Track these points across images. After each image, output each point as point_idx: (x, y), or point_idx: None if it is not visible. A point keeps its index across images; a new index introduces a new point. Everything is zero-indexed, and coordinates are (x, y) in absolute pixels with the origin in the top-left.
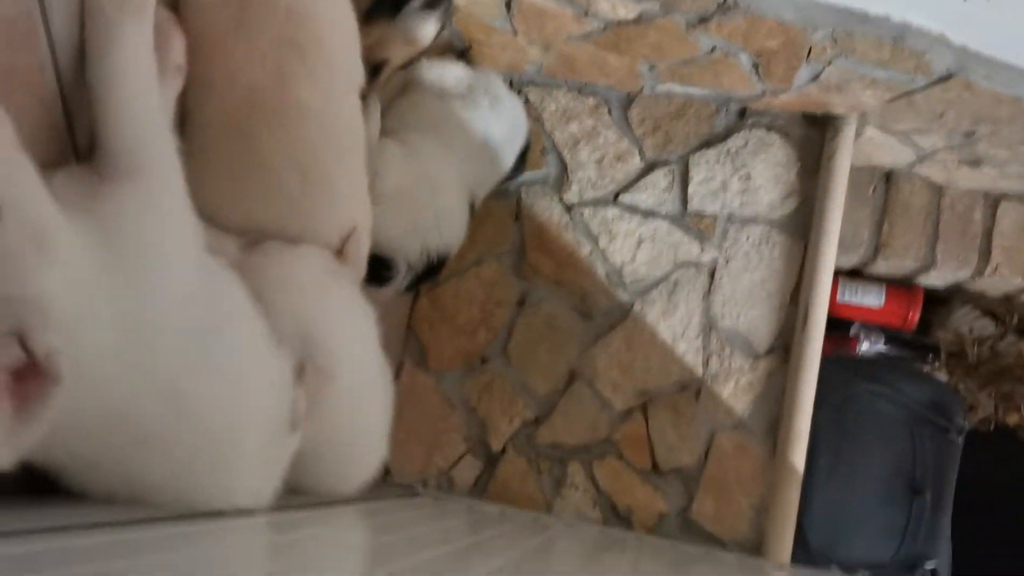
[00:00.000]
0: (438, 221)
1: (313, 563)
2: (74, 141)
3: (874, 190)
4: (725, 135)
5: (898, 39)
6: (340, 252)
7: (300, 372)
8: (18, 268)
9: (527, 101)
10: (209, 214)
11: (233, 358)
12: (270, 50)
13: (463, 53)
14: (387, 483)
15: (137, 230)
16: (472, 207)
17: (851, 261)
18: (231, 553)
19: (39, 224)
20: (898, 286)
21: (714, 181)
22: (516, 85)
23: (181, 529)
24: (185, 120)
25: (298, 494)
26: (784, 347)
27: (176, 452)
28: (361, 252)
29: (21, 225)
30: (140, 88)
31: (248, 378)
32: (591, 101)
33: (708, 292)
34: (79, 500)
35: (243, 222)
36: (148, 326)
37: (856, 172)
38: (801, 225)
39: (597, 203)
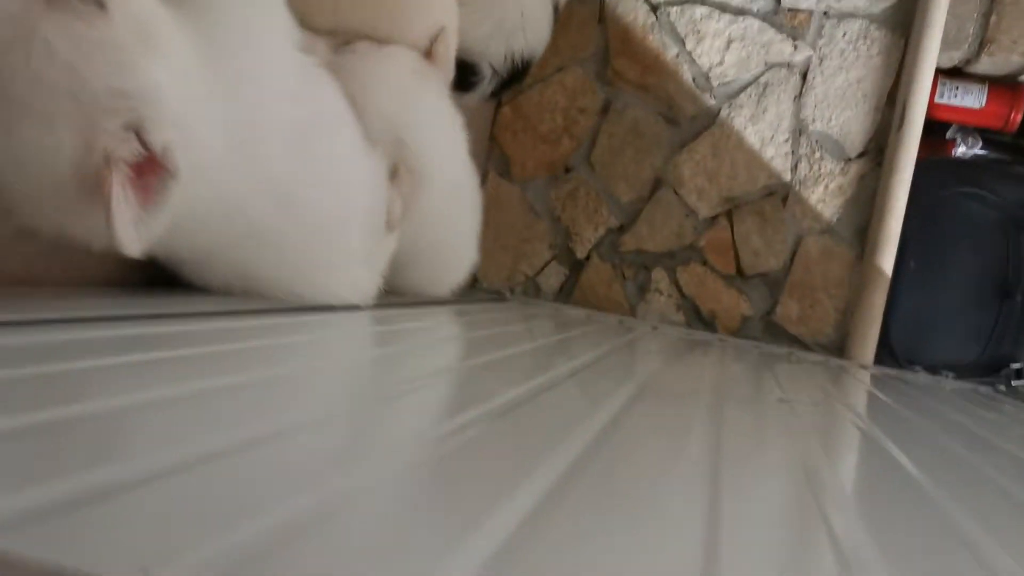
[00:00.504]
0: (522, 23)
1: (415, 349)
2: None
3: None
4: None
5: None
6: (429, 53)
7: (394, 174)
8: (128, 61)
9: None
10: (299, 16)
11: (332, 157)
12: None
13: None
14: (476, 289)
15: (238, 24)
16: (556, 8)
17: (952, 59)
18: (341, 337)
19: (144, 17)
20: (1001, 85)
21: None
22: None
23: (294, 319)
24: None
25: (396, 295)
26: (877, 149)
27: (284, 246)
28: (449, 53)
29: (127, 18)
30: None
31: (346, 177)
32: None
33: (799, 94)
34: (198, 291)
35: (333, 23)
36: (253, 122)
37: None
38: (902, 19)
39: (685, 1)
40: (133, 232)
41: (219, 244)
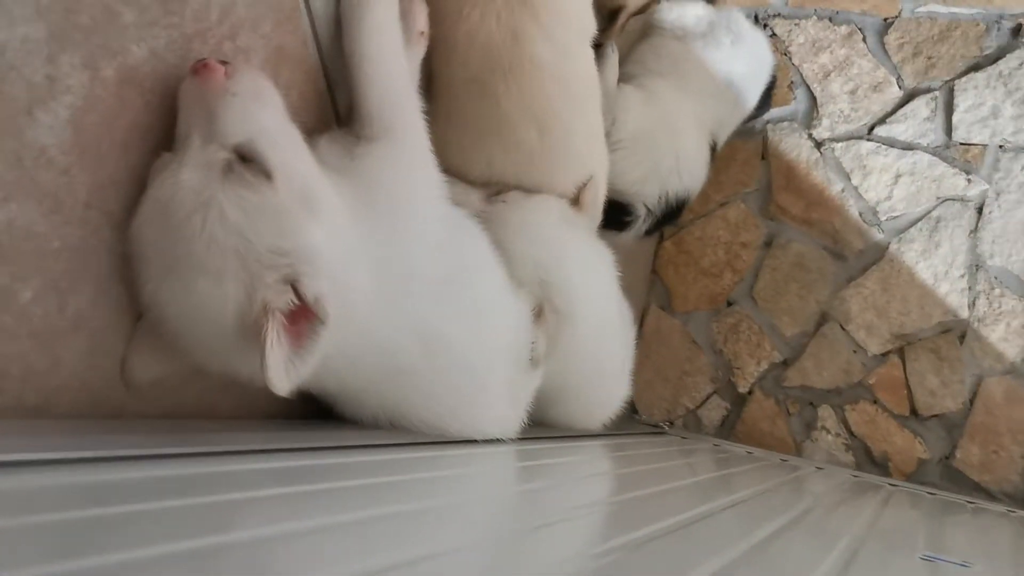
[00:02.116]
0: (678, 164)
1: (561, 483)
2: (335, 107)
3: None
4: (996, 56)
5: None
6: (577, 200)
7: (539, 314)
8: (289, 224)
9: (773, 35)
10: (456, 168)
11: (477, 300)
12: (504, 10)
13: None
14: (635, 421)
15: (388, 184)
16: (714, 149)
17: None
18: (484, 473)
19: (306, 185)
20: None
21: (983, 107)
22: (761, 19)
23: (439, 452)
24: (432, 81)
25: (546, 428)
26: None
27: (430, 384)
28: (597, 200)
29: (291, 187)
30: (389, 55)
31: (491, 318)
32: (843, 29)
33: (975, 229)
34: (350, 425)
35: (486, 174)
36: (401, 271)
37: None
38: None
39: (850, 137)
40: (283, 374)
41: (368, 381)
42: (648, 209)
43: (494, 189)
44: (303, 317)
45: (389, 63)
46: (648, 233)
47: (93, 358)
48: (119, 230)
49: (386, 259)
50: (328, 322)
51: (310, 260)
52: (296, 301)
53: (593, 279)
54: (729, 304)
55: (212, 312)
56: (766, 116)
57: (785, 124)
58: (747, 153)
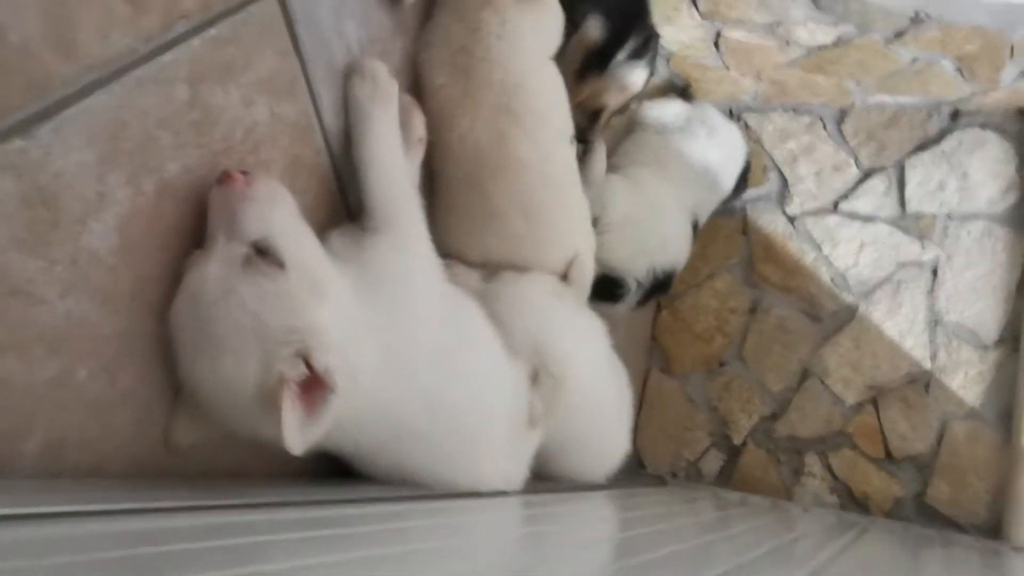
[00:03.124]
0: (663, 242)
1: (565, 529)
2: (347, 205)
3: None
4: (939, 137)
5: None
6: (565, 276)
7: (535, 378)
8: (300, 306)
9: (746, 126)
10: (455, 252)
11: (477, 367)
12: (490, 116)
13: (683, 91)
14: (640, 474)
15: (391, 269)
16: (695, 227)
17: None
18: (490, 519)
19: (315, 273)
20: None
21: (931, 182)
22: (735, 113)
23: (447, 504)
24: (431, 179)
25: (551, 480)
26: (1013, 337)
27: (436, 444)
28: (584, 274)
29: (301, 275)
30: (390, 160)
31: (491, 383)
32: (806, 119)
33: (932, 289)
34: (367, 480)
35: (482, 257)
36: (404, 344)
37: None
38: (1023, 217)
39: (818, 213)
40: (298, 436)
41: (378, 442)
42: (638, 283)
43: (490, 269)
44: (315, 386)
45: (391, 167)
46: (641, 304)
47: (140, 426)
48: (159, 317)
49: (390, 334)
50: (337, 390)
51: (319, 336)
52: (308, 372)
53: (583, 345)
54: (721, 365)
55: (236, 384)
56: (744, 196)
57: (761, 203)
58: (730, 229)
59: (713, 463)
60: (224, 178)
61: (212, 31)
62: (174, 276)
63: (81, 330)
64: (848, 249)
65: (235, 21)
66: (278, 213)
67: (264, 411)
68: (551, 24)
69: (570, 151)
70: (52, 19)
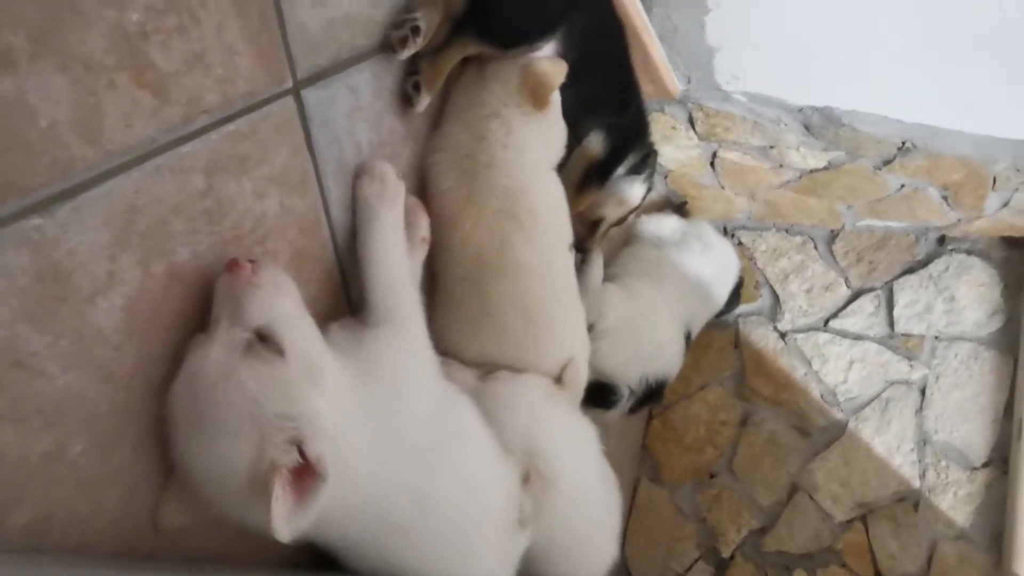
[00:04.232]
0: (656, 351)
1: None
2: (349, 299)
3: None
4: (926, 261)
5: None
6: (559, 379)
7: (526, 478)
8: (296, 393)
9: (739, 243)
10: (453, 350)
11: (468, 465)
12: (493, 220)
13: (680, 207)
14: None
15: (388, 363)
16: (688, 338)
17: None
18: None
19: (313, 362)
20: None
21: (919, 304)
22: (729, 230)
23: None
24: (433, 278)
25: None
26: (1001, 459)
27: (424, 540)
28: (579, 378)
29: (300, 363)
30: (393, 257)
31: (481, 482)
32: (798, 239)
33: (920, 408)
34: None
35: (479, 356)
36: (397, 437)
37: None
38: (1009, 341)
39: (809, 329)
40: (286, 524)
41: (365, 535)
42: (631, 390)
43: (486, 369)
44: (306, 474)
45: (394, 264)
46: (633, 412)
47: (129, 506)
48: (158, 398)
49: (383, 427)
50: (328, 480)
51: (314, 424)
52: (300, 460)
53: (575, 448)
54: (711, 476)
55: (229, 466)
56: (737, 311)
57: (753, 318)
58: (722, 342)
59: (701, 575)
60: (232, 265)
61: (231, 126)
62: (176, 358)
63: (79, 405)
64: (838, 366)
65: (253, 118)
66: (282, 301)
67: (254, 496)
68: (555, 136)
69: (569, 257)
70: (81, 107)
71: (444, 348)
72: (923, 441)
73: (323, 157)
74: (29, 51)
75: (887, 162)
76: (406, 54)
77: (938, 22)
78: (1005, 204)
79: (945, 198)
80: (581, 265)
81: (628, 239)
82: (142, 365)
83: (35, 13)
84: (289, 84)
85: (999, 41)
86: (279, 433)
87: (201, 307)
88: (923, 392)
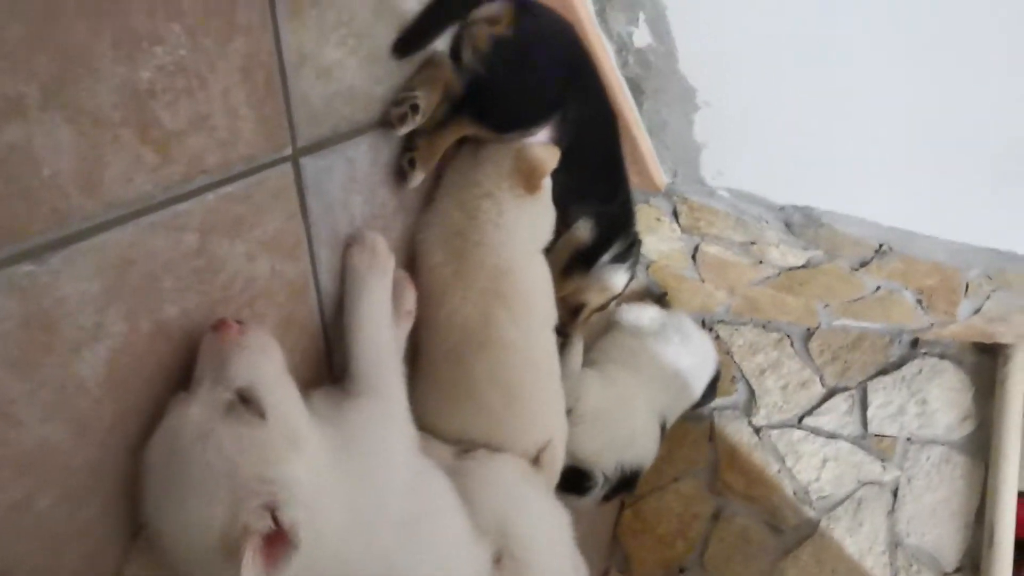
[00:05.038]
0: (632, 439)
1: None
2: (331, 367)
3: None
4: (900, 363)
5: None
6: (537, 460)
7: (498, 559)
8: (275, 457)
9: (717, 337)
10: (432, 426)
11: (437, 540)
12: (479, 297)
13: (660, 298)
14: None
15: (367, 434)
16: (664, 428)
17: None
18: None
19: (294, 427)
20: None
21: (892, 405)
22: (707, 324)
23: None
24: (416, 351)
25: None
26: (973, 565)
27: None
28: (555, 461)
29: (280, 427)
30: (379, 328)
31: (453, 560)
32: (775, 335)
33: (892, 510)
34: None
35: (458, 433)
36: (371, 509)
37: None
38: (980, 446)
39: (783, 426)
40: None
41: None
42: (605, 477)
43: (464, 446)
44: (278, 541)
45: (379, 335)
46: (606, 500)
47: (92, 563)
48: (132, 454)
49: (358, 497)
50: (299, 548)
51: (289, 490)
52: (273, 526)
53: (548, 532)
54: (682, 570)
55: (200, 527)
56: (713, 404)
57: (728, 412)
58: (697, 435)
59: None
60: (219, 324)
61: (228, 188)
62: (155, 415)
63: (53, 457)
64: (811, 464)
65: (251, 182)
66: (266, 364)
67: (225, 559)
68: (544, 220)
69: (552, 340)
70: (85, 158)
71: (423, 423)
72: (895, 543)
73: (316, 225)
74: (40, 101)
75: (864, 263)
76: (404, 130)
77: (917, 131)
78: (977, 311)
79: (919, 302)
80: (562, 349)
81: (608, 326)
82: (120, 420)
83: (49, 64)
84: (289, 151)
85: (973, 151)
86: (254, 497)
87: (184, 365)
88: (895, 494)
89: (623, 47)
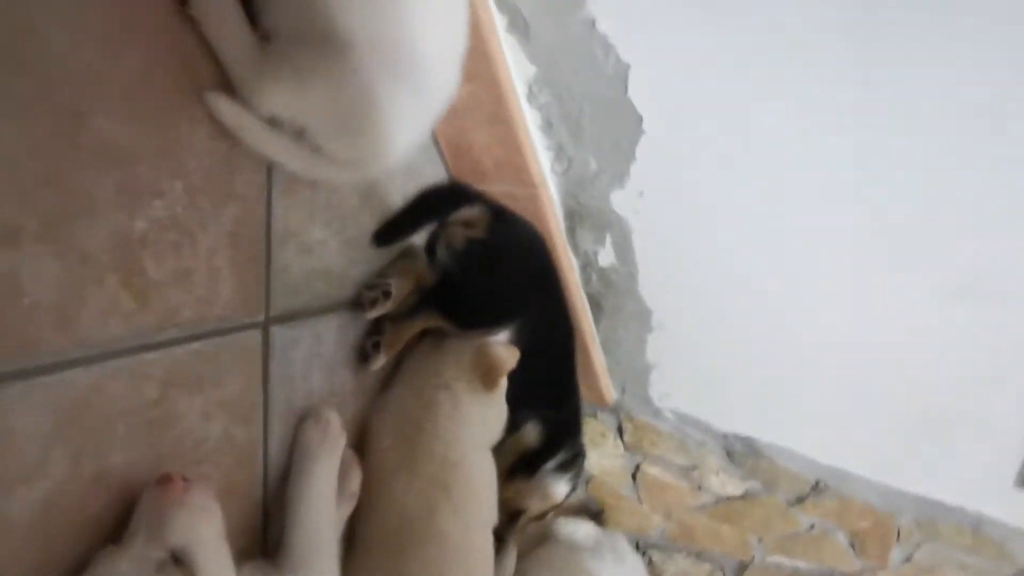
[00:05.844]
0: None
1: None
2: (265, 541)
3: None
4: None
5: (976, 528)
6: None
7: None
8: None
9: (650, 561)
10: None
11: None
12: (425, 487)
13: (597, 515)
14: None
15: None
16: None
17: None
18: None
19: None
20: None
21: None
22: (641, 546)
23: None
24: (354, 534)
25: None
26: None
27: None
28: None
29: None
30: (322, 505)
31: None
32: (707, 567)
33: None
34: None
35: None
36: None
37: None
38: None
39: None
40: None
41: None
42: None
43: None
44: None
45: (319, 512)
46: None
47: None
48: None
49: None
50: None
51: None
52: None
53: None
54: None
55: None
56: None
57: None
58: None
59: None
60: (165, 479)
61: (197, 344)
62: (78, 566)
63: None
64: None
65: (220, 342)
66: (205, 527)
67: None
68: (496, 418)
69: (490, 540)
70: (65, 294)
71: None
72: None
73: (274, 394)
74: (36, 233)
75: (800, 499)
76: (374, 314)
77: (852, 374)
78: (907, 559)
79: (852, 545)
80: (496, 555)
81: (543, 537)
82: (40, 569)
83: (52, 199)
84: (261, 317)
85: (903, 400)
86: None
87: (118, 517)
88: None
89: (588, 264)
